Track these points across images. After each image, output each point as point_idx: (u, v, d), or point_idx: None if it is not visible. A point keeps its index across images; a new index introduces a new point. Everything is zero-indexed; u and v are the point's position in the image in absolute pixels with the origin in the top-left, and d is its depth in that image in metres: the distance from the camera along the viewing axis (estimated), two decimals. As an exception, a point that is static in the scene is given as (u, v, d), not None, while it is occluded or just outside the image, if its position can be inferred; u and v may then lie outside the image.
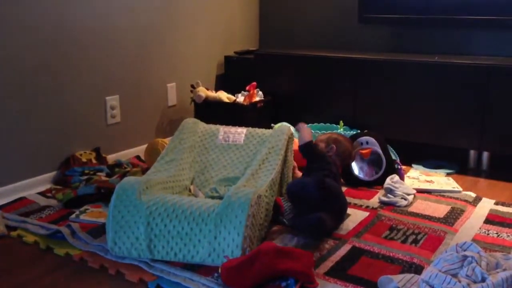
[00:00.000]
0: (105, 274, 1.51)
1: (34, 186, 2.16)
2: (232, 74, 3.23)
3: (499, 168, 2.51)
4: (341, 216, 1.85)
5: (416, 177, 2.32)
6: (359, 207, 2.00)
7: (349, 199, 2.06)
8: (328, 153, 2.10)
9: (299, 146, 2.07)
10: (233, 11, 3.31)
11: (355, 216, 1.90)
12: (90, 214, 1.88)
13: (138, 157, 2.62)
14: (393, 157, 2.35)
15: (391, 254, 1.61)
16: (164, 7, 2.76)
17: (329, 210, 1.72)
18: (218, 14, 3.18)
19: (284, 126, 2.41)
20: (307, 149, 2.04)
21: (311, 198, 1.72)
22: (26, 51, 2.10)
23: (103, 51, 2.44)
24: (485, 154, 2.52)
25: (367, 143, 2.28)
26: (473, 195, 2.14)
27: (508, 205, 2.03)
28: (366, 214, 1.93)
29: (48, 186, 2.20)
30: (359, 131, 2.64)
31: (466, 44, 2.81)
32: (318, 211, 1.67)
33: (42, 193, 2.13)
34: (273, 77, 3.02)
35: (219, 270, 1.43)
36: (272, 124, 2.76)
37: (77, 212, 1.89)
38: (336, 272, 1.50)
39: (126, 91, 2.59)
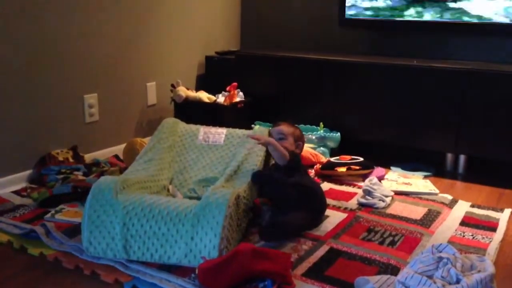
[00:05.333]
0: (80, 274, 1.49)
1: (9, 185, 2.12)
2: (213, 74, 3.21)
3: (475, 171, 2.54)
4: (319, 215, 1.87)
5: (395, 179, 2.34)
6: (337, 208, 2.01)
7: (328, 200, 2.07)
8: (296, 150, 2.04)
9: (285, 166, 1.90)
10: (215, 12, 3.30)
11: (333, 218, 1.91)
12: (66, 214, 1.85)
13: (116, 156, 2.59)
14: None
15: (368, 255, 1.62)
16: (145, 6, 2.74)
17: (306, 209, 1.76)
18: (199, 14, 3.16)
19: (263, 127, 2.41)
20: (292, 166, 1.91)
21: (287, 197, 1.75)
22: (1, 47, 2.06)
23: (82, 48, 2.41)
24: (462, 157, 2.56)
25: None
26: (450, 197, 2.16)
27: (484, 208, 2.06)
28: (345, 215, 1.94)
29: (23, 185, 2.16)
30: (339, 133, 2.66)
31: (445, 48, 2.85)
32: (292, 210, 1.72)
33: (17, 192, 2.08)
34: (253, 78, 3.01)
35: (196, 271, 1.42)
36: (252, 125, 2.76)
37: (53, 212, 1.86)
38: (314, 273, 1.50)
39: (104, 89, 2.56)
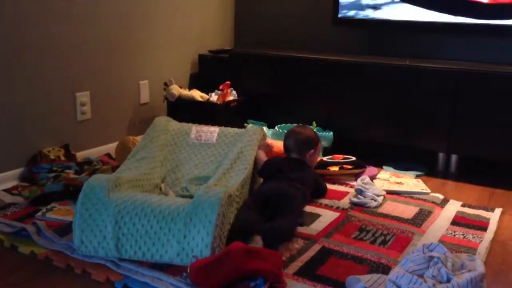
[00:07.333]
0: (71, 273, 1.48)
1: (0, 183, 2.11)
2: (206, 73, 3.21)
3: (467, 171, 2.56)
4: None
5: (387, 179, 2.35)
6: (329, 207, 2.01)
7: (320, 199, 2.08)
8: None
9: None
10: (208, 10, 3.29)
11: (325, 217, 1.91)
12: (57, 212, 1.84)
13: (108, 154, 2.58)
14: None
15: (359, 254, 1.62)
16: (139, 4, 2.73)
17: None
18: (193, 12, 3.16)
19: (256, 126, 2.41)
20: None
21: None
22: (-7, 44, 2.05)
23: (74, 45, 2.40)
24: (454, 157, 2.57)
25: None
26: (441, 197, 2.17)
27: (475, 207, 2.07)
28: (337, 214, 1.94)
29: (14, 183, 2.15)
30: (331, 132, 2.67)
31: (438, 48, 2.86)
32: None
33: (8, 190, 2.07)
34: (247, 76, 3.01)
35: (188, 270, 1.41)
36: (245, 124, 2.76)
37: (44, 210, 1.85)
38: (305, 272, 1.50)
39: (97, 87, 2.55)
